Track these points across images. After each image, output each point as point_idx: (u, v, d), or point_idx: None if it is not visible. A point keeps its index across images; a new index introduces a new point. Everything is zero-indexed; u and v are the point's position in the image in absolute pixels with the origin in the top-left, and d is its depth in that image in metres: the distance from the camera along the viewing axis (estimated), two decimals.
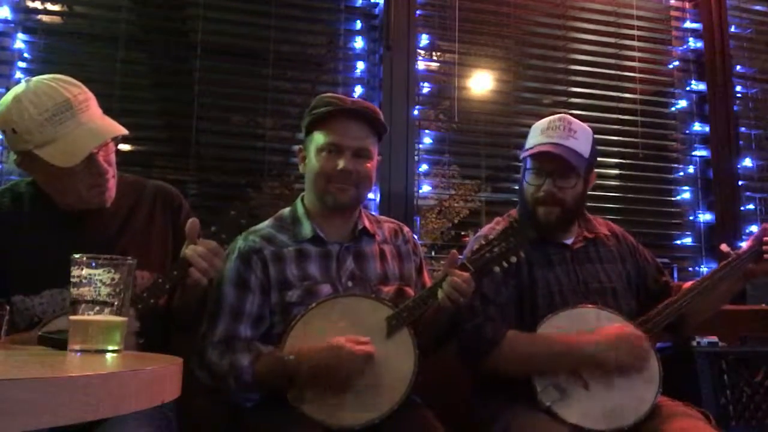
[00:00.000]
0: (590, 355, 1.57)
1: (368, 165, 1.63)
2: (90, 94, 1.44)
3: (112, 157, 1.49)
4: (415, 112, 2.62)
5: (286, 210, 1.72)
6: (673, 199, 2.99)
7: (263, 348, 1.52)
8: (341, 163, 1.57)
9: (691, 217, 2.96)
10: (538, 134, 1.76)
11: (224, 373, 1.48)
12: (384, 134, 1.68)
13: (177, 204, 1.65)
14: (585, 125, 1.78)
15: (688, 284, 1.79)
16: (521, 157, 1.81)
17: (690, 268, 2.92)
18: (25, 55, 2.33)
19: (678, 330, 1.84)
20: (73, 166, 1.37)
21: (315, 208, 1.67)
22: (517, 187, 1.91)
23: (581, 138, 1.73)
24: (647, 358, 1.60)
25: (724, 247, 1.83)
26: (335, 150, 1.59)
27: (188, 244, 1.38)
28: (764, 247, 1.75)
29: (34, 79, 1.40)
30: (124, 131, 1.44)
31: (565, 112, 1.84)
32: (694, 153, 2.99)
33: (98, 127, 1.41)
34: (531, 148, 1.74)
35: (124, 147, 2.34)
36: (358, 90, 2.64)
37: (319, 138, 1.61)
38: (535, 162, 1.74)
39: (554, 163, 1.70)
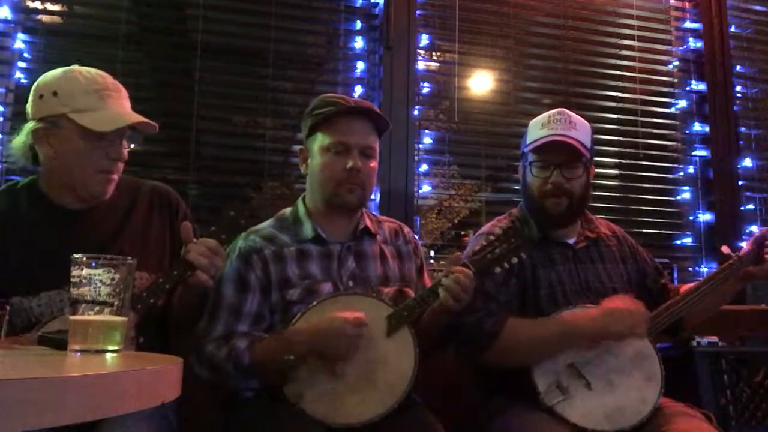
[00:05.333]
0: (591, 329, 1.58)
1: (372, 164, 1.64)
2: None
3: (125, 154, 1.51)
4: (415, 112, 2.61)
5: (288, 210, 1.72)
6: (673, 199, 2.98)
7: (262, 335, 1.53)
8: (350, 163, 1.57)
9: (691, 217, 2.95)
10: (539, 128, 1.75)
11: (223, 360, 1.48)
12: (385, 131, 1.68)
13: (174, 204, 1.65)
14: (582, 119, 1.79)
15: (686, 286, 1.79)
16: (524, 151, 1.80)
17: (690, 269, 2.91)
18: (25, 55, 2.33)
19: (676, 332, 1.84)
20: (97, 141, 1.43)
21: (317, 208, 1.67)
22: (517, 187, 1.91)
23: (581, 130, 1.74)
24: (644, 327, 1.61)
25: (725, 248, 1.83)
26: (343, 149, 1.59)
27: (186, 245, 1.38)
28: (765, 249, 1.76)
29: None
30: (156, 127, 1.53)
31: None
32: (694, 153, 2.98)
33: (133, 113, 1.51)
34: (535, 141, 1.73)
35: None
36: (358, 90, 2.64)
37: (324, 138, 1.61)
38: (540, 154, 1.74)
39: (562, 153, 1.70)
